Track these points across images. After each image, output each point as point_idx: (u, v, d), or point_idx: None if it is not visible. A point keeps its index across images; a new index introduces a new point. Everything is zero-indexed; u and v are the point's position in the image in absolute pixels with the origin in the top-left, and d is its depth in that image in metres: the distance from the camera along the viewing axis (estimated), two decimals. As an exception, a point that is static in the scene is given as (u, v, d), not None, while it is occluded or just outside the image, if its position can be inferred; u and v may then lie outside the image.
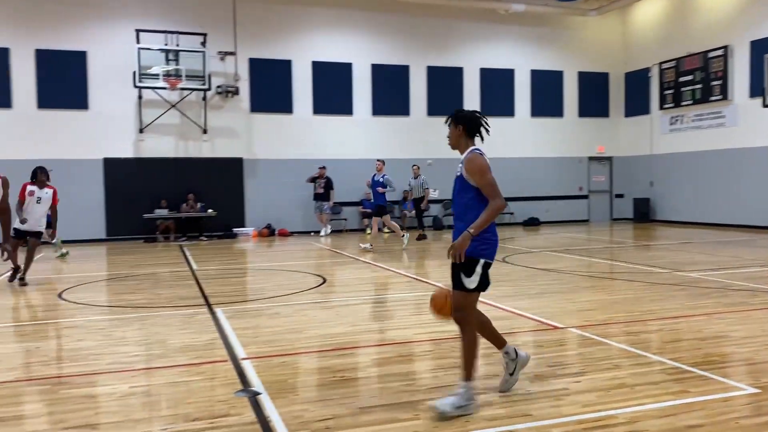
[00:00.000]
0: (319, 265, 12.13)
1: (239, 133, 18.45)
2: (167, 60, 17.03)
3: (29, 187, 9.69)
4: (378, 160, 14.84)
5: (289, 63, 18.74)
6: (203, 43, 17.39)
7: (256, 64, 18.42)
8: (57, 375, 5.00)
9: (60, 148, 16.72)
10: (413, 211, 17.37)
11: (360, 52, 19.46)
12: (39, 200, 9.69)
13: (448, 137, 4.25)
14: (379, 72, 19.62)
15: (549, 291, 8.48)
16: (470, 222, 3.95)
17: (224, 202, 18.07)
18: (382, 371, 5.00)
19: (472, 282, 4.00)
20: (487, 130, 4.24)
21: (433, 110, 20.01)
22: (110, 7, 17.18)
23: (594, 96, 22.03)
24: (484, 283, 4.06)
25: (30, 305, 7.98)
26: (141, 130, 17.43)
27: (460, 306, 4.06)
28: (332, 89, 19.11)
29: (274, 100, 18.64)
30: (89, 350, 5.74)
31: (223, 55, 17.86)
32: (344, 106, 19.33)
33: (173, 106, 17.63)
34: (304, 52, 18.87)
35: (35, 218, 9.74)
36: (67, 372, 5.09)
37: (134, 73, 16.66)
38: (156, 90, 17.16)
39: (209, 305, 7.75)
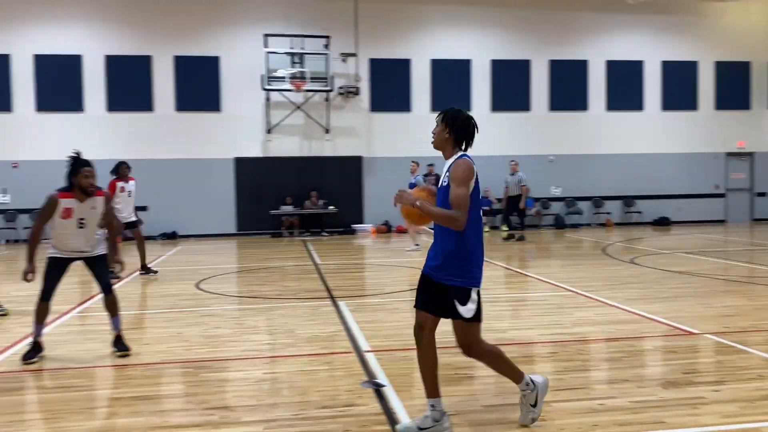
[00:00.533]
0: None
1: (359, 132, 18.89)
2: (293, 63, 17.77)
3: (119, 184, 10.27)
4: (413, 162, 14.69)
5: (408, 62, 18.93)
6: (326, 46, 17.97)
7: (376, 65, 18.77)
8: (198, 359, 5.38)
9: (195, 148, 17.93)
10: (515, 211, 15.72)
11: (479, 48, 19.29)
12: (129, 193, 10.41)
13: (433, 134, 3.71)
14: (499, 67, 19.35)
15: (682, 295, 8.00)
16: (450, 241, 3.56)
17: (344, 199, 18.59)
18: (505, 370, 4.95)
19: (468, 311, 3.59)
20: (471, 139, 3.71)
21: (555, 105, 19.49)
22: (241, 14, 18.16)
23: (733, 87, 20.47)
24: (480, 312, 3.65)
25: (171, 294, 8.62)
26: (269, 131, 18.30)
27: (465, 341, 3.68)
28: (450, 86, 19.09)
29: (392, 99, 18.92)
30: (225, 337, 6.13)
31: (345, 56, 18.34)
32: (463, 103, 19.25)
33: (298, 107, 18.36)
34: (423, 51, 18.99)
35: (129, 210, 10.45)
36: (207, 357, 5.46)
37: (262, 76, 17.51)
38: (282, 92, 17.95)
39: (333, 298, 8.02)
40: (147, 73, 17.74)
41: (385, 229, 18.60)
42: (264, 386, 4.67)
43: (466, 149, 3.70)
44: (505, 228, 15.27)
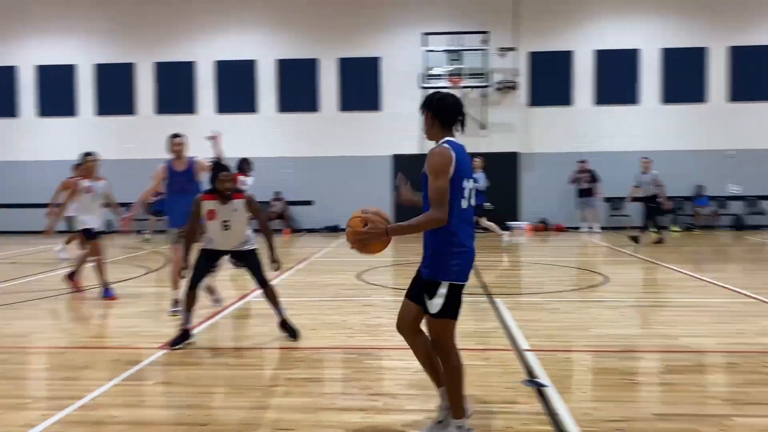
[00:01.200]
0: (597, 262, 11.66)
1: (516, 128, 18.55)
2: (450, 60, 17.87)
3: (240, 178, 9.81)
4: (474, 158, 13.73)
5: (570, 54, 18.25)
6: (485, 41, 17.84)
7: (535, 58, 18.32)
8: (360, 346, 5.61)
9: (356, 146, 18.65)
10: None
11: (649, 37, 18.12)
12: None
13: (423, 129, 3.53)
14: (670, 56, 18.04)
15: None
16: (431, 232, 3.37)
17: (500, 196, 18.34)
18: (677, 379, 4.64)
19: (433, 305, 3.36)
20: (463, 123, 3.49)
21: (737, 95, 17.81)
22: (401, 15, 18.57)
23: None
24: (453, 309, 3.40)
25: (334, 284, 9.05)
26: (425, 128, 18.55)
27: (432, 335, 3.49)
28: (616, 78, 18.13)
29: (552, 93, 18.35)
30: (386, 327, 6.33)
31: (503, 51, 18.09)
32: (628, 95, 18.21)
33: (455, 103, 18.42)
34: (586, 42, 18.21)
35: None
36: (368, 344, 5.68)
37: (419, 74, 17.79)
38: (439, 89, 18.12)
39: (489, 295, 7.97)
40: (313, 76, 18.72)
41: (543, 227, 18.11)
42: (424, 376, 4.75)
43: (452, 133, 3.46)
44: (653, 230, 13.86)
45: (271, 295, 5.93)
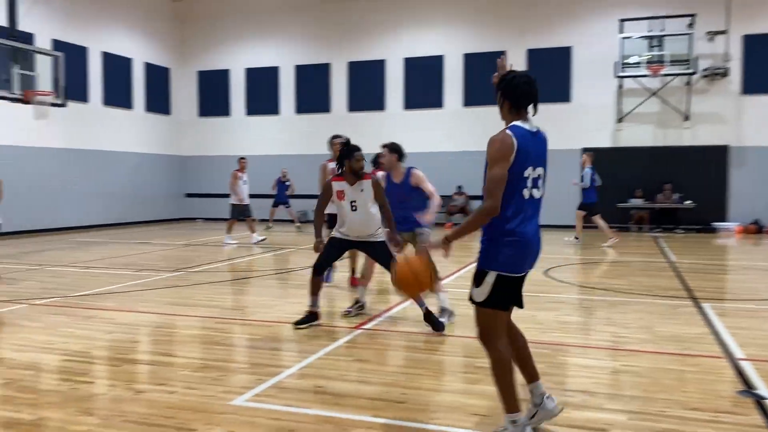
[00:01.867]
0: (828, 270, 10.22)
1: (726, 119, 16.83)
2: (650, 47, 16.68)
3: (379, 173, 9.61)
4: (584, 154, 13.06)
5: (795, 34, 16.16)
6: (690, 25, 16.41)
7: (751, 41, 16.46)
8: (553, 342, 5.46)
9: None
10: None
11: None
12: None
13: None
14: None
15: None
16: (488, 223, 3.20)
17: (703, 194, 16.80)
18: None
19: (479, 294, 3.23)
20: (536, 105, 3.34)
21: None
22: (595, 2, 17.71)
23: None
24: (501, 300, 3.23)
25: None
26: (619, 120, 17.53)
27: (477, 322, 3.33)
28: None
29: (771, 79, 16.40)
30: (577, 324, 6.11)
31: (712, 35, 16.50)
32: None
33: (654, 93, 17.17)
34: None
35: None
36: (561, 341, 5.51)
37: (615, 63, 16.83)
38: (636, 78, 17.00)
39: (694, 299, 7.33)
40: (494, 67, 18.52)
41: (755, 229, 16.26)
42: (623, 377, 4.52)
43: (524, 116, 3.28)
44: None
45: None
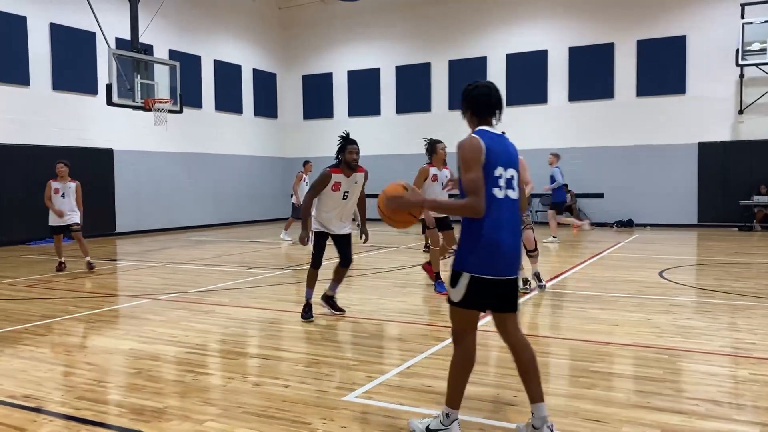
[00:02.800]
0: None
1: None
2: (775, 31, 15.49)
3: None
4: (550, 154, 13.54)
5: None
6: (822, 6, 15.09)
7: None
8: (671, 347, 5.17)
9: (654, 134, 17.26)
10: None
11: None
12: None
13: None
14: None
15: None
16: (463, 223, 3.33)
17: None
18: None
19: (454, 294, 3.26)
20: (500, 112, 3.42)
21: None
22: (712, -14, 16.67)
23: None
24: (475, 301, 3.24)
25: (634, 280, 8.51)
26: (740, 111, 16.38)
27: (450, 320, 3.39)
28: None
29: None
30: (699, 329, 5.75)
31: None
32: None
33: (780, 82, 15.93)
34: None
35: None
36: (681, 346, 5.21)
37: (736, 51, 15.75)
38: (760, 66, 15.82)
39: (832, 304, 6.72)
40: (609, 61, 17.81)
41: None
42: (754, 387, 4.21)
43: (489, 122, 3.38)
44: None
45: (343, 274, 6.53)
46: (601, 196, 18.09)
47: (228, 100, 20.32)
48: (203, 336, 5.78)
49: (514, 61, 19.02)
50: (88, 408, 3.89)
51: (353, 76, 21.55)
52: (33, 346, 5.43)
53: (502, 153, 3.29)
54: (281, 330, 6.04)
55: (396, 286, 8.44)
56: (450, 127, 19.87)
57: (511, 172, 3.32)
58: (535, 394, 3.35)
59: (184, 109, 15.31)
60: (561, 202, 14.07)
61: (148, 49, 15.41)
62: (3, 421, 3.68)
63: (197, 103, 18.87)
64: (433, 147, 7.96)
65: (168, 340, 5.57)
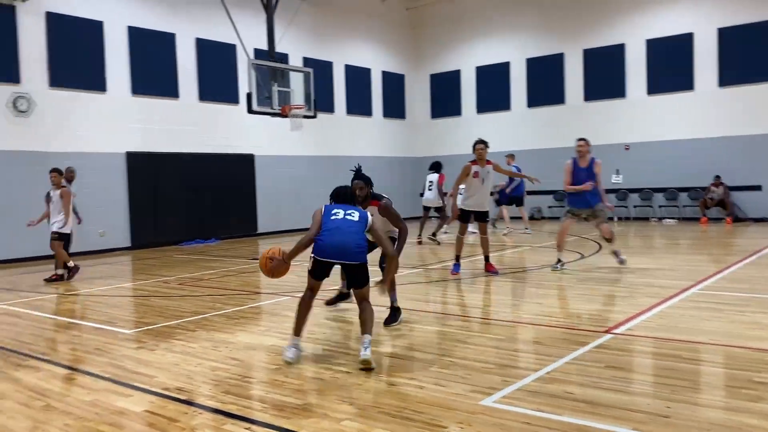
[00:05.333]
0: None
1: None
2: None
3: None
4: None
5: None
6: None
7: None
8: None
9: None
10: None
11: None
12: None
13: None
14: None
15: None
16: None
17: None
18: None
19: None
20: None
21: None
22: None
23: None
24: (312, 271, 5.12)
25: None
26: None
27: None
28: None
29: None
30: None
31: None
32: None
33: None
34: None
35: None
36: None
37: None
38: None
39: None
40: (762, 42, 16.18)
41: None
42: None
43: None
44: None
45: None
46: (758, 188, 16.50)
47: (358, 103, 20.78)
48: (340, 333, 5.89)
49: (655, 46, 17.83)
50: (233, 402, 4.07)
51: (482, 71, 21.24)
52: (184, 341, 5.80)
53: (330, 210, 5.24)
54: (413, 330, 6.02)
55: (531, 286, 8.15)
56: (585, 119, 19.07)
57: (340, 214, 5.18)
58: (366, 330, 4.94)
59: (318, 114, 15.83)
60: (521, 195, 15.55)
61: (283, 58, 16.12)
62: (159, 412, 3.94)
63: (329, 108, 19.45)
64: (473, 146, 8.87)
65: (307, 337, 5.72)
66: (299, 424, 3.65)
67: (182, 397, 4.20)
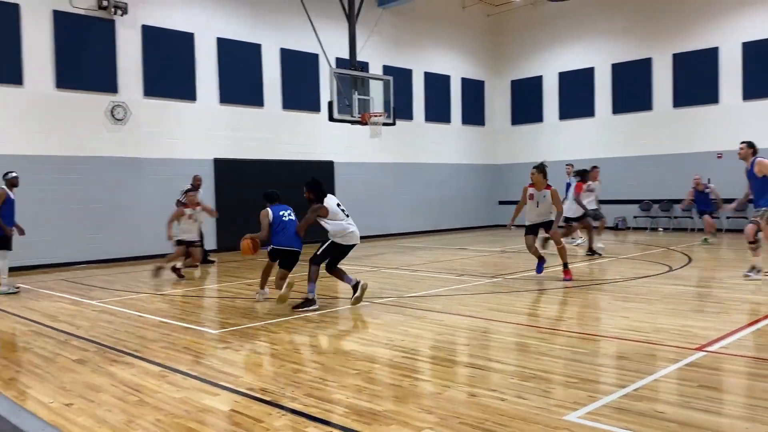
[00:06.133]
0: None
1: None
2: None
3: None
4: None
5: None
6: None
7: None
8: None
9: None
10: None
11: None
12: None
13: None
14: None
15: None
16: None
17: None
18: None
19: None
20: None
21: None
22: None
23: None
24: (272, 255, 8.03)
25: None
26: None
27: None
28: None
29: None
30: None
31: None
32: None
33: None
34: None
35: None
36: None
37: None
38: None
39: None
40: None
41: None
42: None
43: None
44: None
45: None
46: None
47: (437, 110, 20.76)
48: (417, 341, 5.88)
49: (752, 50, 16.91)
50: (315, 405, 4.13)
51: (565, 77, 20.77)
52: (268, 343, 5.95)
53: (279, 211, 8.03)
54: (493, 340, 5.93)
55: (616, 299, 7.88)
56: (674, 125, 18.31)
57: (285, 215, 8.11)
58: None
59: (397, 121, 15.92)
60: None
61: (364, 67, 16.32)
62: (245, 412, 4.05)
63: (408, 115, 19.53)
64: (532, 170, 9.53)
65: (385, 344, 5.75)
66: (379, 431, 3.67)
67: (266, 398, 4.31)
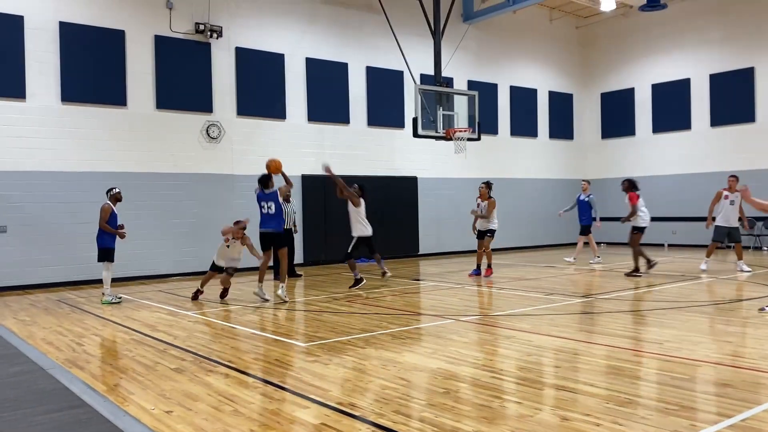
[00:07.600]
0: None
1: None
2: None
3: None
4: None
5: None
6: None
7: None
8: None
9: None
10: None
11: None
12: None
13: None
14: None
15: None
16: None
17: None
18: None
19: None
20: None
21: None
22: None
23: None
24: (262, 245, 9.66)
25: None
26: None
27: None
28: None
29: None
30: None
31: None
32: None
33: None
34: None
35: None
36: None
37: None
38: None
39: None
40: None
41: None
42: None
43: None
44: None
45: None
46: None
47: (523, 125, 20.46)
48: (508, 362, 5.78)
49: None
50: (403, 423, 4.13)
51: (658, 89, 20.00)
52: (355, 357, 6.01)
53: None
54: (587, 363, 5.73)
55: (718, 323, 7.45)
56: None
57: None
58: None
59: (482, 136, 15.81)
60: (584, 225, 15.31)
61: (449, 82, 16.32)
62: (333, 425, 4.10)
63: (493, 130, 19.36)
64: None
65: (472, 363, 5.68)
66: (469, 452, 3.61)
67: (355, 413, 4.35)
